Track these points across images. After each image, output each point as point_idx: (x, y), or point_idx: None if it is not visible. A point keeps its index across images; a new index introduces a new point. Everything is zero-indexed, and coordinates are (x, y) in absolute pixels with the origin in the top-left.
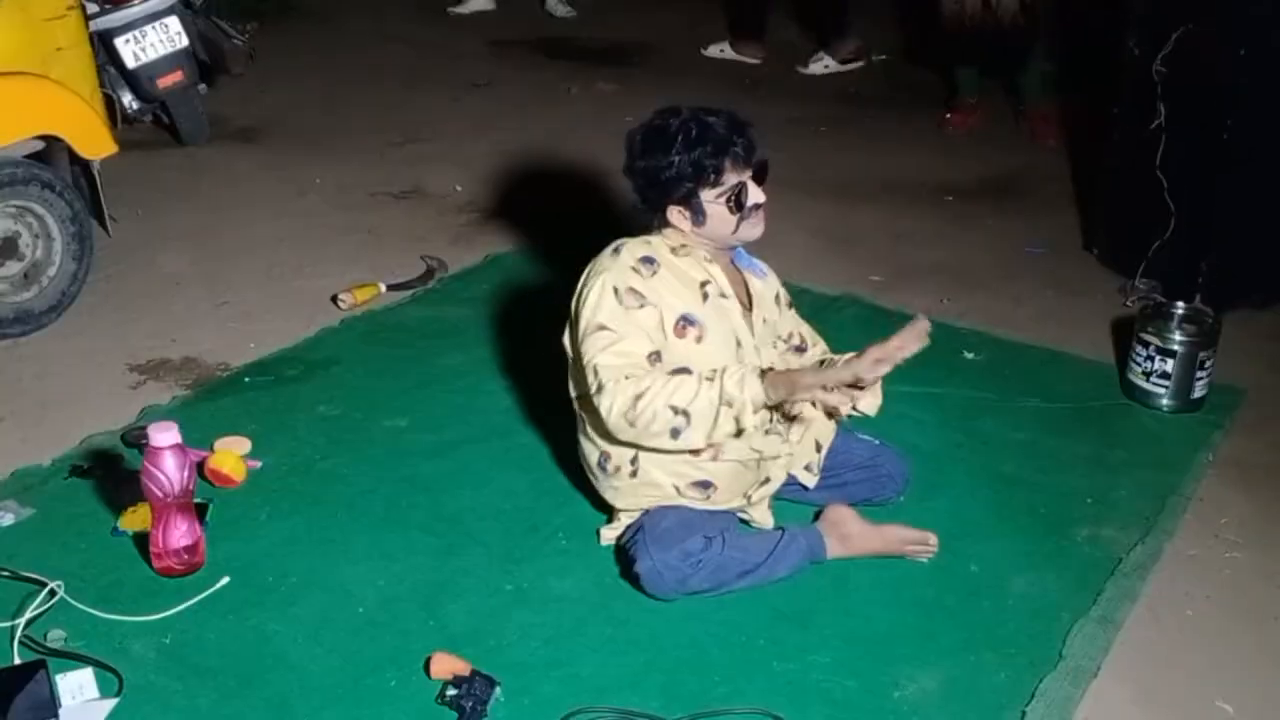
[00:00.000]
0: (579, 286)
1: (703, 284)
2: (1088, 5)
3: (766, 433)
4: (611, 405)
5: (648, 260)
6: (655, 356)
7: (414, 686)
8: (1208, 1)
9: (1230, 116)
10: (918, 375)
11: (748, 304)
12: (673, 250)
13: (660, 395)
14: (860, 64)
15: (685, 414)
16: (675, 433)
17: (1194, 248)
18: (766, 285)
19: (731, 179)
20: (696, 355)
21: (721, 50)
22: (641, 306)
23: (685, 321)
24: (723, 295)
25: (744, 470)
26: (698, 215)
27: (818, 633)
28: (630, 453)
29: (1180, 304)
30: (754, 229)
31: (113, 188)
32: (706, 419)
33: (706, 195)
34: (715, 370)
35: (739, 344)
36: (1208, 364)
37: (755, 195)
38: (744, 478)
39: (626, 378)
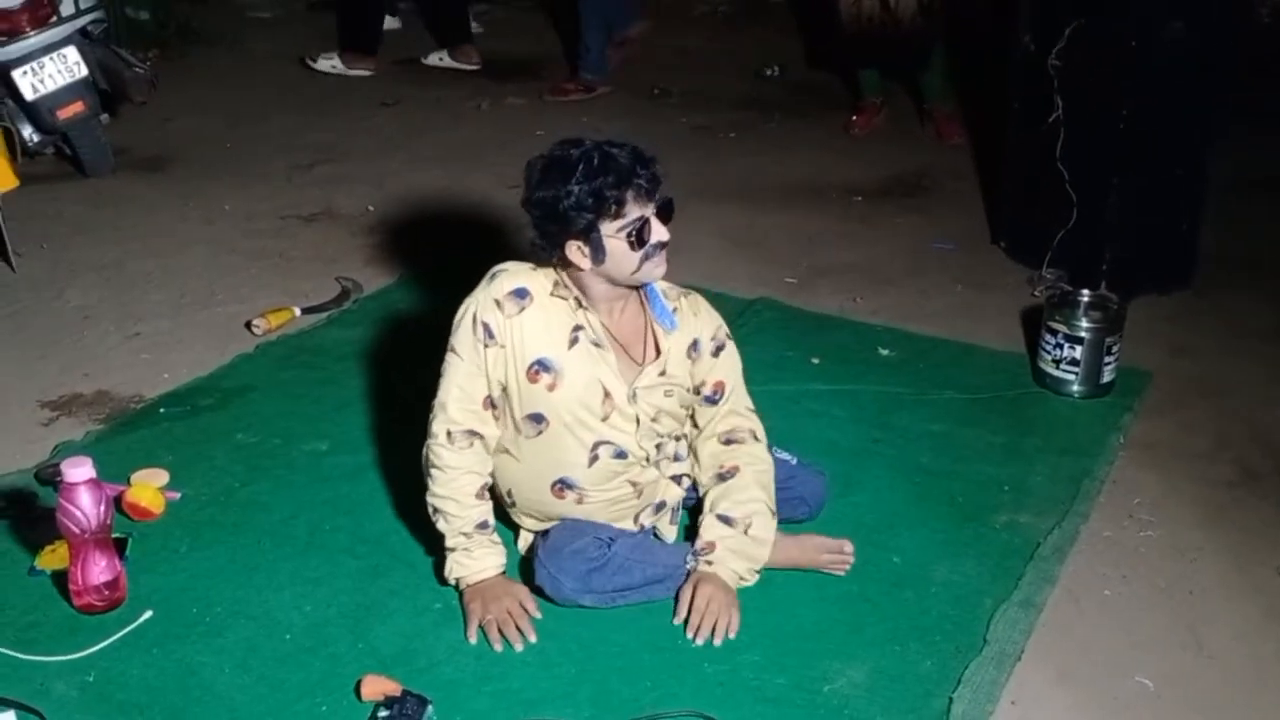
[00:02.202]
0: None
1: (575, 328)
2: (983, 2)
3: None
4: (428, 442)
5: (519, 293)
6: (489, 402)
7: (345, 710)
8: None
9: (1125, 107)
10: (834, 373)
11: (649, 356)
12: (554, 286)
13: (436, 488)
14: (476, 68)
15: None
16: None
17: (1097, 236)
18: (678, 337)
19: (634, 212)
20: (552, 402)
21: (333, 65)
22: (487, 346)
23: (540, 367)
24: (595, 344)
25: (617, 503)
26: (597, 252)
27: (746, 632)
28: (506, 485)
29: (1086, 291)
30: (656, 269)
31: (15, 222)
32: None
33: (607, 229)
34: (479, 527)
35: (607, 394)
36: (1114, 349)
37: (659, 233)
38: (622, 507)
39: (449, 434)
